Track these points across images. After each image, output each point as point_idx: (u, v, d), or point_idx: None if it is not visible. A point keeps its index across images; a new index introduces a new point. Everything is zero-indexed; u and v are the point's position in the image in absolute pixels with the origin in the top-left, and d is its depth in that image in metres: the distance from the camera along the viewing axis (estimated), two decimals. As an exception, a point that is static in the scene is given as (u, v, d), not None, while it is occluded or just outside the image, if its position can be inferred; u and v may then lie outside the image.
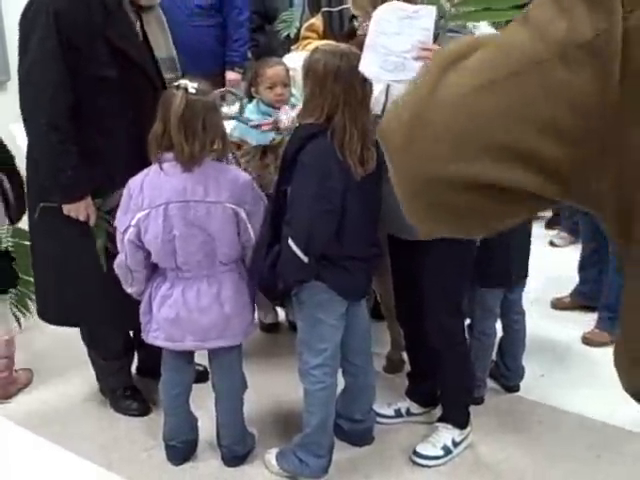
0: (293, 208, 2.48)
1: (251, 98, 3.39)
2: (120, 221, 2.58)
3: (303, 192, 2.46)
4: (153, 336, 2.69)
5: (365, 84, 2.44)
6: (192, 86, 2.49)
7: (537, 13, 0.76)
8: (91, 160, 2.76)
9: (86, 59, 2.68)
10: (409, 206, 0.91)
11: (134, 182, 2.56)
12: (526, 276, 3.18)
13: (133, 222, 2.53)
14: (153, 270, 2.67)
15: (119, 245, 2.61)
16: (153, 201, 2.52)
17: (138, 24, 2.84)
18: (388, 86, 2.61)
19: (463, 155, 0.79)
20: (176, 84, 2.55)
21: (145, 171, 2.57)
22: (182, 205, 2.52)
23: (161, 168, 2.54)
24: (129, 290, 2.70)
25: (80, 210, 2.80)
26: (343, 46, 2.62)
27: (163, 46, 2.91)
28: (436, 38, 2.40)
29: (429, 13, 2.34)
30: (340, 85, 2.44)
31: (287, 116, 3.00)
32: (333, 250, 2.52)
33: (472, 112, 0.78)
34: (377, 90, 2.67)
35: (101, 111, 2.75)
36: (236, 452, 2.83)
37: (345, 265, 2.56)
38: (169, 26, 3.14)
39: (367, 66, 2.45)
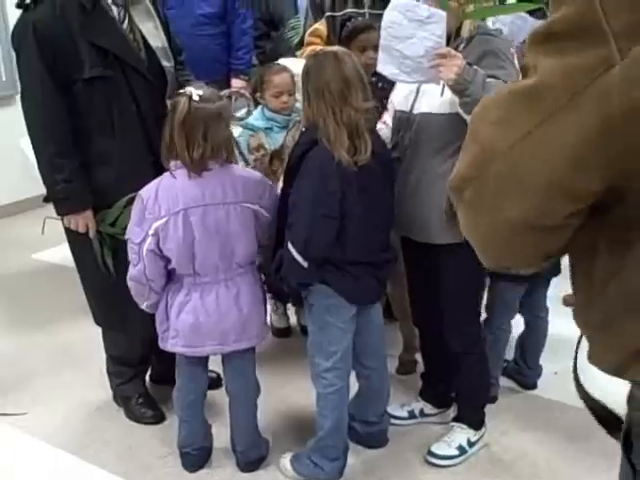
0: (293, 213, 2.50)
1: (256, 104, 3.41)
2: (134, 233, 2.57)
3: (303, 197, 2.47)
4: (172, 343, 2.69)
5: (346, 77, 2.44)
6: (197, 93, 2.50)
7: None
8: (99, 162, 2.81)
9: (75, 63, 2.71)
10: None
11: (147, 192, 2.55)
12: (552, 273, 3.08)
13: (151, 231, 2.53)
14: (168, 279, 2.67)
15: (133, 257, 2.59)
16: (171, 208, 2.51)
17: (127, 19, 2.84)
18: (419, 86, 2.61)
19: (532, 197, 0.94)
20: (182, 91, 2.56)
21: (157, 180, 2.58)
22: (202, 209, 2.53)
23: (172, 174, 2.55)
24: (144, 304, 2.69)
25: (79, 222, 2.84)
26: (330, 48, 2.64)
27: (156, 36, 2.92)
28: (448, 42, 2.41)
29: (440, 19, 2.34)
30: (312, 85, 2.47)
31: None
32: (335, 255, 2.53)
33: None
34: (407, 89, 2.68)
35: (102, 112, 2.78)
36: (250, 457, 2.83)
37: (350, 270, 2.56)
38: (176, 36, 3.15)
39: (385, 67, 2.48)
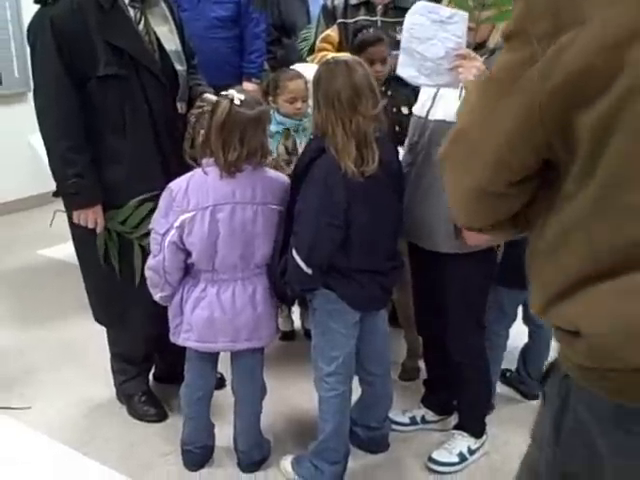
0: (299, 220, 2.51)
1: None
2: (159, 223, 2.59)
3: (308, 205, 2.48)
4: (184, 337, 2.70)
5: (357, 87, 2.45)
6: (238, 97, 2.52)
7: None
8: (109, 160, 2.83)
9: (90, 61, 2.73)
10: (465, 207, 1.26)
11: (177, 184, 2.57)
12: None
13: (177, 224, 2.54)
14: (185, 273, 2.69)
15: (155, 247, 2.62)
16: (199, 203, 2.53)
17: (143, 20, 2.87)
18: (436, 93, 2.63)
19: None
20: (225, 93, 2.58)
21: (189, 174, 2.60)
22: (230, 207, 2.55)
23: (204, 171, 2.56)
24: (158, 295, 2.69)
25: (88, 218, 2.85)
26: (343, 57, 2.65)
27: (170, 39, 2.96)
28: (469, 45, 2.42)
29: (461, 19, 2.35)
30: (322, 93, 2.48)
31: None
32: (340, 263, 2.53)
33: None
34: (426, 94, 2.70)
35: (114, 111, 2.80)
36: (253, 458, 2.84)
37: (355, 277, 2.57)
38: (189, 38, 3.18)
39: (405, 70, 2.49)
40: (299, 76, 3.33)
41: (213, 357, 2.79)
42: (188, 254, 2.61)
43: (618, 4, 0.97)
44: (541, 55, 1.03)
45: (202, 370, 2.78)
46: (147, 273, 2.68)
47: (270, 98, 3.36)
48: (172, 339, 2.74)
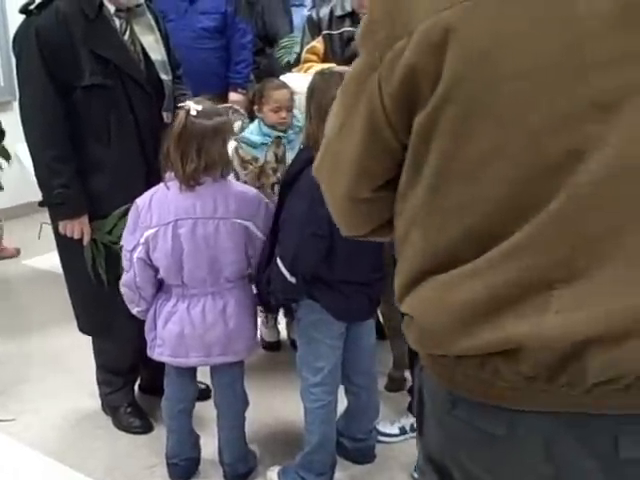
0: (284, 229, 2.51)
1: (251, 118, 3.42)
2: (127, 240, 2.59)
3: (294, 214, 2.48)
4: (158, 352, 2.70)
5: None
6: (195, 108, 2.51)
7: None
8: (93, 170, 2.83)
9: (75, 71, 2.73)
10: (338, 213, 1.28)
11: (142, 200, 2.57)
12: None
13: (142, 240, 2.54)
14: (158, 288, 2.69)
15: (125, 264, 2.62)
16: (162, 219, 2.53)
17: (128, 30, 2.88)
18: None
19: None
20: (182, 104, 2.58)
21: (153, 189, 2.59)
22: (192, 222, 2.53)
23: (166, 185, 2.56)
24: (135, 310, 2.70)
25: (74, 228, 2.84)
26: (337, 68, 2.65)
27: (156, 49, 2.96)
28: None
29: None
30: (315, 104, 2.48)
31: None
32: (324, 273, 2.53)
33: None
34: None
35: (99, 120, 2.80)
36: (238, 470, 2.82)
37: (339, 288, 2.56)
38: (175, 48, 3.18)
39: None
40: (284, 86, 3.34)
41: (191, 370, 2.77)
42: (157, 269, 2.60)
43: (440, 13, 1.02)
44: (380, 61, 1.07)
45: (181, 384, 2.77)
46: (122, 289, 2.68)
47: (255, 107, 3.36)
48: (148, 353, 2.74)
